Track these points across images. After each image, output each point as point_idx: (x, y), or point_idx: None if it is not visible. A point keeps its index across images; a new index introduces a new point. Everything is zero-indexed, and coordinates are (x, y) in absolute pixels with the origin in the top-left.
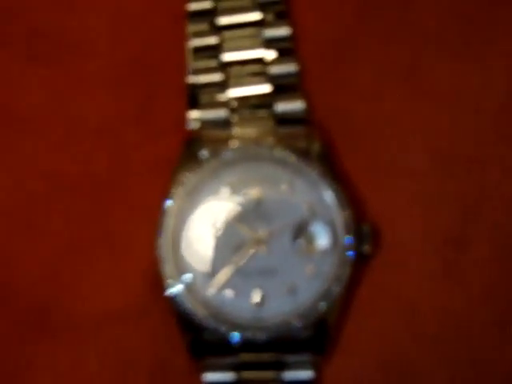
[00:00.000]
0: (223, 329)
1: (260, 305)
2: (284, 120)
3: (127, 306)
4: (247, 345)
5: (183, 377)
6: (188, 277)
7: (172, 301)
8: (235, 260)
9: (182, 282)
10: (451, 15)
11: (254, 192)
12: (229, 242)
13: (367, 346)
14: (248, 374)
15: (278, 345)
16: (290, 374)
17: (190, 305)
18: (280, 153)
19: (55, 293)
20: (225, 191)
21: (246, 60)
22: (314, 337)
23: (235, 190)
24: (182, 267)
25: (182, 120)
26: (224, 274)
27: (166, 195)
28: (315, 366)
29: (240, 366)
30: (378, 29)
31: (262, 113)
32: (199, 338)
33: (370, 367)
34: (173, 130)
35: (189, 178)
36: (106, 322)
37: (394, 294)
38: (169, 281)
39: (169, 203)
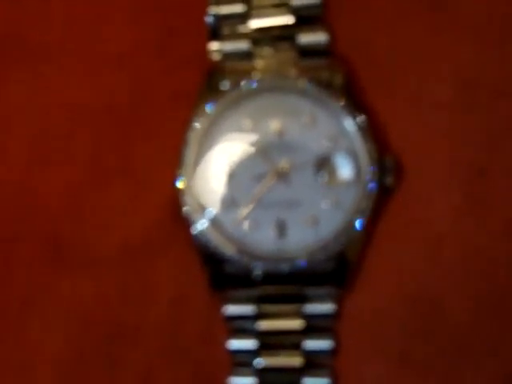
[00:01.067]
0: (245, 260)
1: (282, 236)
2: (306, 52)
3: (148, 238)
4: (269, 277)
5: (204, 309)
6: (210, 210)
7: (195, 235)
8: (257, 191)
9: (204, 217)
10: None
11: (275, 124)
12: (250, 174)
13: (389, 280)
14: (269, 307)
15: (299, 277)
16: (311, 307)
17: (213, 238)
18: (302, 84)
19: (75, 225)
20: (246, 123)
21: None
22: (336, 270)
23: (256, 122)
24: (203, 200)
25: (204, 51)
26: (246, 206)
27: (187, 127)
28: (336, 299)
29: (261, 299)
30: None
31: (284, 44)
32: (220, 270)
33: (392, 301)
34: (194, 61)
35: (210, 109)
36: (127, 254)
37: (417, 228)
38: (191, 215)
39: (190, 135)
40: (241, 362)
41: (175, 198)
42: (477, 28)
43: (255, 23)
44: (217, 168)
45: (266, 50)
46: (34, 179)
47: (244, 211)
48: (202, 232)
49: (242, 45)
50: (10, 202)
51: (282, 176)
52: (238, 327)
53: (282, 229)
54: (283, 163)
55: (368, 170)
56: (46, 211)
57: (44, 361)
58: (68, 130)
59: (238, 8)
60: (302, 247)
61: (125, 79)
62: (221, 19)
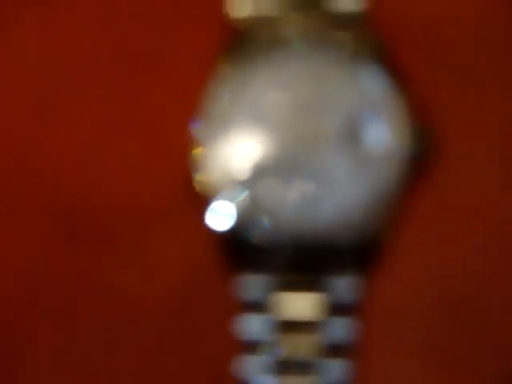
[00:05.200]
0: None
1: (301, 205)
2: (338, 18)
3: (158, 204)
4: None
5: (217, 284)
6: (237, 181)
7: (217, 209)
8: (279, 159)
9: (230, 189)
10: None
11: (303, 89)
12: (274, 141)
13: (421, 263)
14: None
15: (318, 259)
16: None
17: (242, 212)
18: (333, 50)
19: (83, 188)
20: (272, 88)
21: None
22: (359, 251)
23: (284, 88)
24: (228, 170)
25: (228, 8)
26: (274, 174)
27: (206, 91)
28: (359, 286)
29: (281, 284)
30: None
31: (315, 9)
32: (243, 248)
33: (425, 287)
34: (217, 16)
35: (233, 75)
36: (135, 220)
37: (457, 206)
38: (212, 187)
39: (210, 101)
40: (255, 347)
41: (191, 165)
42: None
43: None
44: (240, 135)
45: (296, 14)
46: (40, 131)
47: (272, 180)
48: (228, 205)
49: (271, 8)
50: (11, 163)
51: (306, 143)
52: (255, 311)
53: (308, 199)
54: (308, 129)
55: (402, 139)
56: (51, 169)
57: None
58: (78, 80)
59: None
60: (323, 220)
61: (138, 27)
62: None
